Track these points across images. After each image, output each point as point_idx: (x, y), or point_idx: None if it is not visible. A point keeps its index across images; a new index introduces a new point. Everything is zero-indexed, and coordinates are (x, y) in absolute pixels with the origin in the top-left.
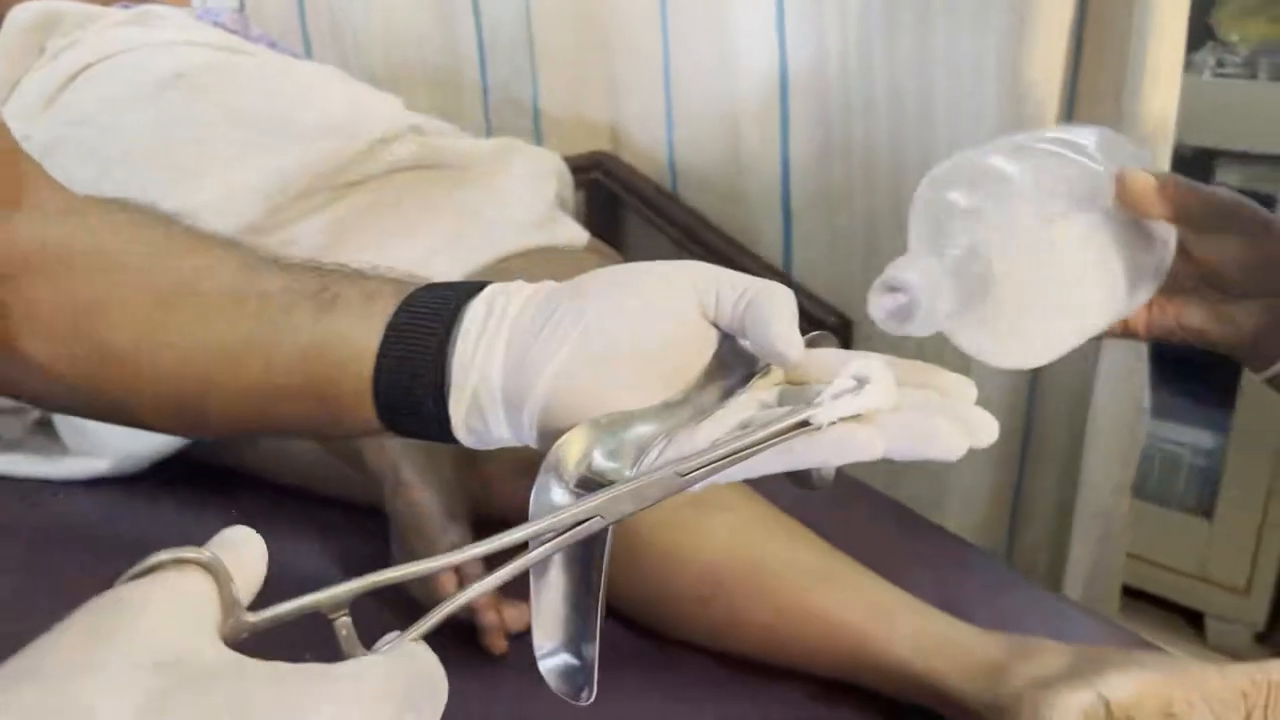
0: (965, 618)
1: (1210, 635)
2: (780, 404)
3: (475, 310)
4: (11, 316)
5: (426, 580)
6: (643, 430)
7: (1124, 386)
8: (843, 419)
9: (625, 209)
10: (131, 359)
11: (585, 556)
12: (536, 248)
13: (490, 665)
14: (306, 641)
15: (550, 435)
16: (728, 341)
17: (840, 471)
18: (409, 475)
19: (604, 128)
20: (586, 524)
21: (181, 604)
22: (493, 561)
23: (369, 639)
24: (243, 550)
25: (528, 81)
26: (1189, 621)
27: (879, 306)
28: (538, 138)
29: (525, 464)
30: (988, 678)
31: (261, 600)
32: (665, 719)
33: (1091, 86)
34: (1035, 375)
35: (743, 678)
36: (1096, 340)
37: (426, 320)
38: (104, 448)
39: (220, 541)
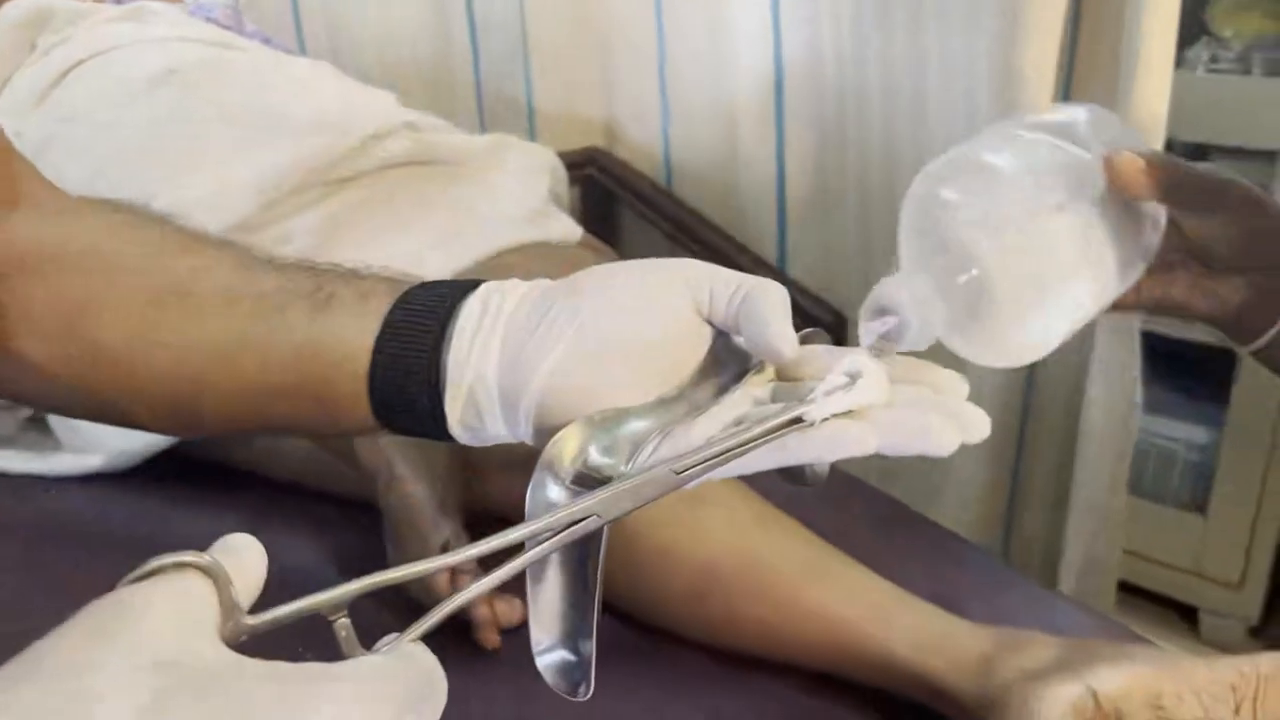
0: (958, 613)
1: (1204, 630)
2: (774, 400)
3: (470, 308)
4: (7, 316)
5: (423, 579)
6: (638, 426)
7: (1116, 382)
8: (836, 415)
9: (620, 205)
10: (126, 359)
11: (582, 554)
12: (530, 243)
13: (486, 661)
14: (305, 643)
15: (546, 432)
16: (721, 338)
17: (835, 467)
18: (402, 470)
19: (598, 124)
20: (583, 523)
21: (182, 606)
22: (489, 559)
23: (367, 638)
24: (243, 555)
25: (521, 77)
26: (1183, 616)
27: (869, 332)
28: (532, 134)
29: (518, 458)
30: (978, 671)
31: (257, 597)
32: (661, 714)
33: (1085, 83)
34: (1030, 372)
35: (738, 673)
36: (1087, 324)
37: (422, 318)
38: (97, 444)
39: (221, 546)
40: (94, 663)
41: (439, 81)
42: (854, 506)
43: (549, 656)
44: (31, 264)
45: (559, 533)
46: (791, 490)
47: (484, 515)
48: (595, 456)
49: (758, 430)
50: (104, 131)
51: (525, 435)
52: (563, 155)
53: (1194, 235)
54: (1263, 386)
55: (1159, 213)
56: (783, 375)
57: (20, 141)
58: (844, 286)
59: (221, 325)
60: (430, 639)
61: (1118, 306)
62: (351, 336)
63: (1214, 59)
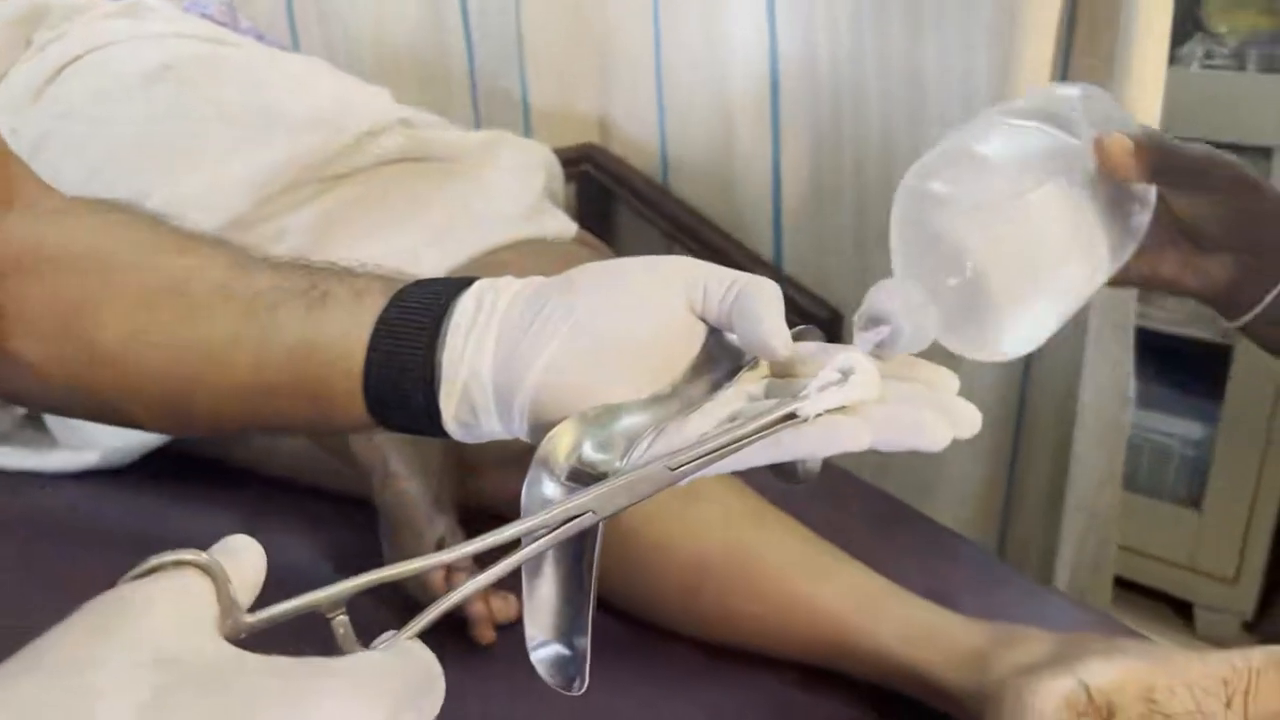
0: (953, 609)
1: (1199, 625)
2: (767, 397)
3: (464, 305)
4: (3, 317)
5: (419, 576)
6: (632, 423)
7: (1110, 378)
8: (829, 411)
9: (616, 201)
10: (121, 359)
11: (577, 551)
12: (525, 239)
13: (482, 657)
14: (303, 641)
15: (541, 429)
16: (714, 335)
17: (830, 463)
18: (397, 466)
19: (593, 120)
20: (579, 519)
21: (182, 604)
22: (484, 556)
23: (363, 635)
24: (242, 556)
25: (517, 74)
26: (1178, 612)
27: (864, 342)
28: (527, 130)
29: (511, 454)
30: (971, 666)
31: (255, 597)
32: (655, 708)
33: (1080, 80)
34: (1025, 369)
35: (732, 668)
36: (1081, 318)
37: (416, 315)
38: (92, 441)
39: (220, 547)
40: (94, 659)
41: (434, 78)
42: (850, 503)
43: (544, 651)
44: (27, 264)
45: (555, 529)
46: (785, 485)
47: (478, 512)
48: (590, 453)
49: (752, 426)
50: (100, 128)
51: (520, 432)
52: (558, 152)
53: (1183, 214)
54: (1257, 382)
55: (1149, 192)
56: (776, 372)
57: (16, 138)
58: (840, 283)
59: (216, 324)
60: (426, 636)
61: (1107, 283)
62: (346, 334)
63: (1209, 55)
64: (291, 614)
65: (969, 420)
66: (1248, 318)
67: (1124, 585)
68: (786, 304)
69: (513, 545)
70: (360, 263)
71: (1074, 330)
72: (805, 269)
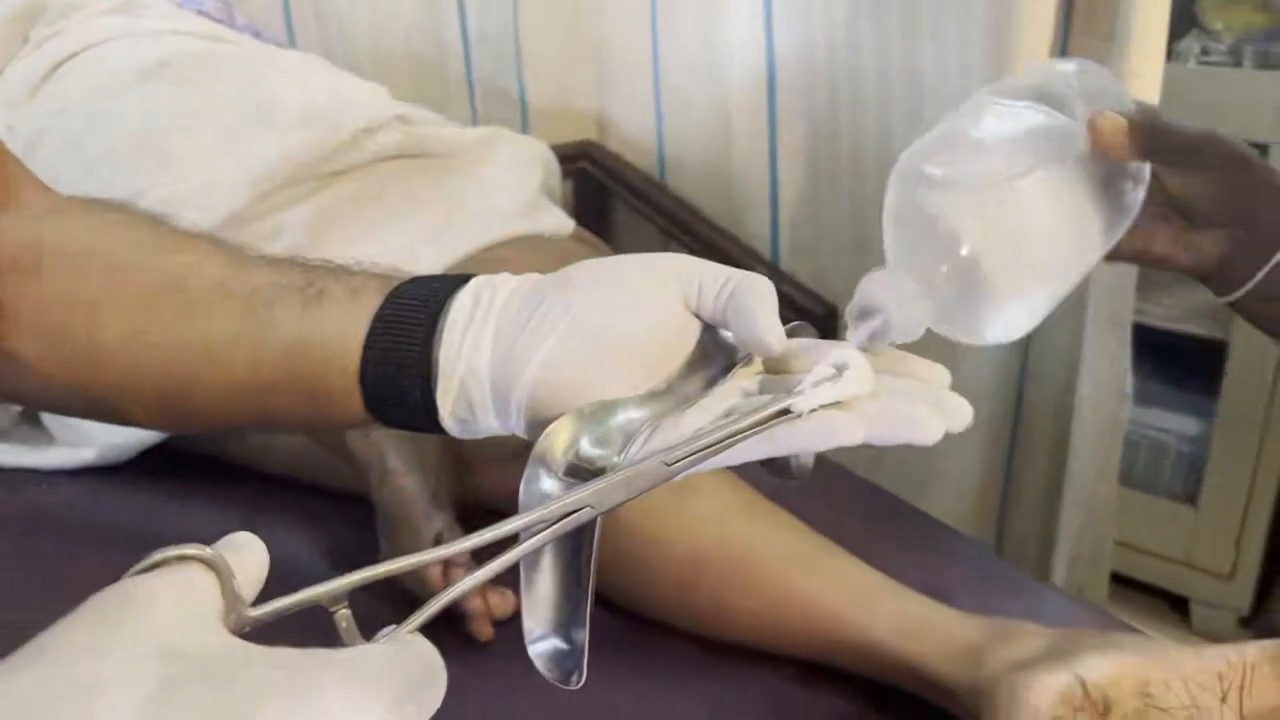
0: (948, 604)
1: (1195, 621)
2: (762, 393)
3: (461, 302)
4: (1, 316)
5: (417, 571)
6: (628, 418)
7: (1107, 374)
8: (823, 406)
9: (613, 198)
10: (119, 358)
11: (575, 546)
12: (522, 236)
13: (479, 653)
14: (304, 639)
15: (538, 425)
16: (709, 332)
17: (827, 459)
18: (394, 463)
19: (590, 117)
20: (576, 515)
21: (186, 598)
22: (481, 551)
23: (361, 630)
24: (245, 552)
25: (514, 70)
26: (1174, 607)
27: (857, 335)
28: (524, 127)
29: (508, 451)
30: (967, 660)
31: (258, 594)
32: (651, 704)
33: None
34: (1022, 365)
35: (728, 662)
36: (1079, 313)
37: (413, 312)
38: (90, 438)
39: (224, 543)
40: (100, 651)
41: (430, 74)
42: (847, 499)
43: (542, 645)
44: (24, 263)
45: (553, 524)
46: (780, 482)
47: (475, 508)
48: (587, 448)
49: (747, 422)
50: (96, 124)
51: (518, 428)
52: (556, 148)
53: (1177, 192)
54: (1253, 378)
55: (1143, 170)
56: (770, 368)
57: (12, 135)
58: (837, 279)
59: (213, 323)
60: (424, 631)
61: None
62: (343, 331)
63: (1205, 52)
64: (294, 608)
65: (961, 414)
66: (1239, 293)
67: (1120, 581)
68: (783, 301)
69: (510, 540)
70: (357, 260)
71: (1071, 325)
72: (802, 265)
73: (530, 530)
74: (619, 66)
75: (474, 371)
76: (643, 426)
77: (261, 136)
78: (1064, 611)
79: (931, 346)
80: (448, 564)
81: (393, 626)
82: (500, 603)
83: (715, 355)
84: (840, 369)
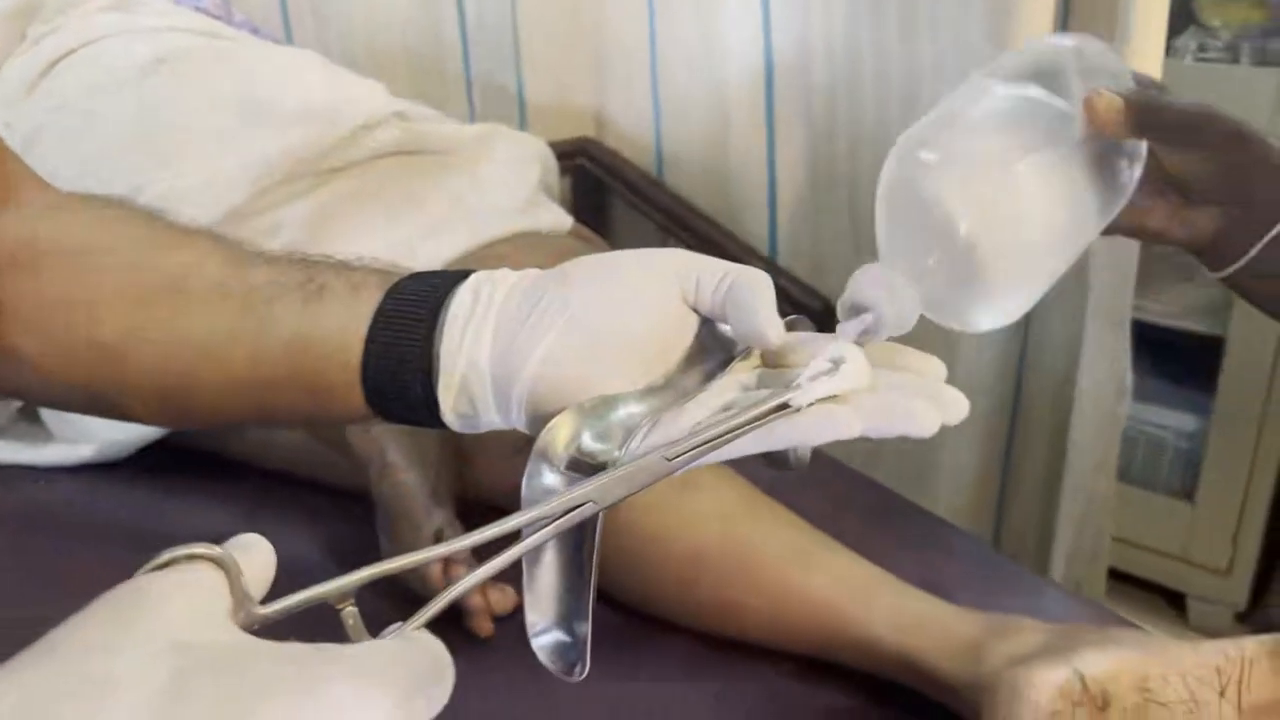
0: (946, 599)
1: (1192, 616)
2: (760, 387)
3: (462, 297)
4: (1, 313)
5: (419, 568)
6: (628, 413)
7: (1106, 370)
8: (821, 400)
9: (611, 195)
10: (118, 354)
11: (577, 540)
12: (520, 233)
13: (480, 649)
14: (311, 635)
15: (539, 420)
16: (707, 326)
17: (826, 454)
18: (394, 458)
19: (589, 114)
20: (579, 510)
21: (196, 596)
22: (484, 547)
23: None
24: (253, 551)
25: (512, 67)
26: (1171, 603)
27: (847, 330)
28: (522, 123)
29: (508, 445)
30: (966, 656)
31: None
32: (652, 699)
33: None
34: (1022, 357)
35: (729, 658)
36: (1077, 308)
37: (414, 307)
38: (88, 434)
39: (232, 543)
40: (111, 647)
41: (428, 71)
42: (845, 494)
43: (545, 638)
44: (23, 260)
45: (555, 519)
46: (779, 475)
47: (475, 503)
48: (589, 443)
49: (746, 416)
50: (94, 121)
51: (519, 423)
52: (554, 145)
53: (1173, 168)
54: (1250, 375)
55: (1139, 147)
56: (768, 362)
57: (10, 132)
58: (834, 275)
59: (212, 319)
60: (427, 628)
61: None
62: (343, 327)
63: (1202, 48)
64: (302, 605)
65: (958, 407)
66: (1233, 269)
67: (1118, 576)
68: (780, 296)
69: (511, 536)
70: (356, 256)
71: (1070, 319)
72: (800, 261)
73: (533, 525)
74: (617, 63)
75: (475, 367)
76: (643, 421)
77: (260, 133)
78: (1062, 607)
79: (929, 340)
80: (448, 561)
81: (399, 624)
82: (500, 599)
83: (713, 349)
84: (837, 363)
